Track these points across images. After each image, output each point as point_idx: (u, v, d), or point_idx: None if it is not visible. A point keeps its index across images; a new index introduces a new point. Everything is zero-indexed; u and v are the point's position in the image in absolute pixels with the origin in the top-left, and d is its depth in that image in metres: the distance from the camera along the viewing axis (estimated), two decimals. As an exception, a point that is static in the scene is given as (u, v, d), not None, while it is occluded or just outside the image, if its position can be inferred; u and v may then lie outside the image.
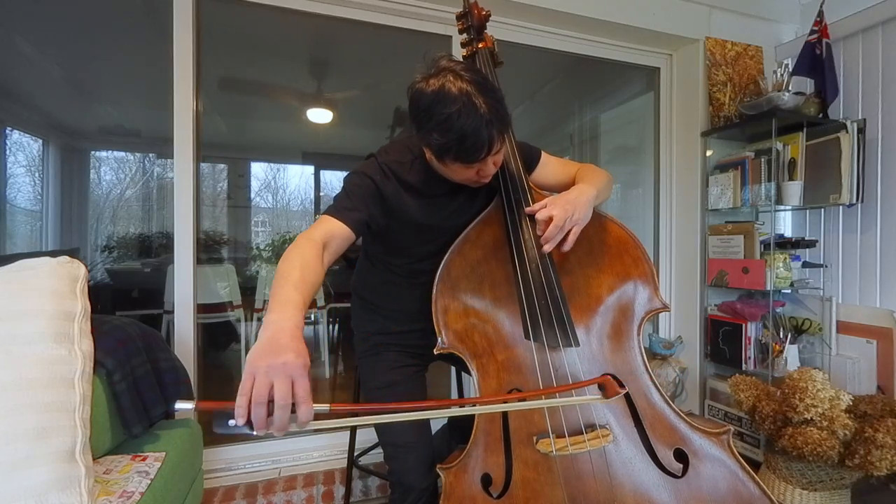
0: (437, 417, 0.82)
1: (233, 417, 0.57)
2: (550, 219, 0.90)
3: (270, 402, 0.57)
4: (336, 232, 0.88)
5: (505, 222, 0.99)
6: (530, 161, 1.10)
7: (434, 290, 0.93)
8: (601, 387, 0.71)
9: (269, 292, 3.03)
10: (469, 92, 0.80)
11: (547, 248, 0.92)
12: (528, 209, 0.97)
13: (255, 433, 0.57)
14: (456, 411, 0.82)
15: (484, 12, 1.19)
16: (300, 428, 0.59)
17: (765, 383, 1.67)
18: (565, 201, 0.92)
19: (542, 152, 1.13)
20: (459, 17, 1.22)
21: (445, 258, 0.95)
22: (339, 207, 0.92)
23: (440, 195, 1.00)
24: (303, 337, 0.65)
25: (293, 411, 0.58)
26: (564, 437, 0.84)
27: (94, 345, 0.94)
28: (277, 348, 0.61)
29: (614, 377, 0.75)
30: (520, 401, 0.80)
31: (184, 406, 0.56)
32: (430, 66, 0.84)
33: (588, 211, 0.94)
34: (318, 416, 0.60)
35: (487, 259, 0.97)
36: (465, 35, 1.22)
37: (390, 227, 0.99)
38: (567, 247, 0.93)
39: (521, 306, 0.92)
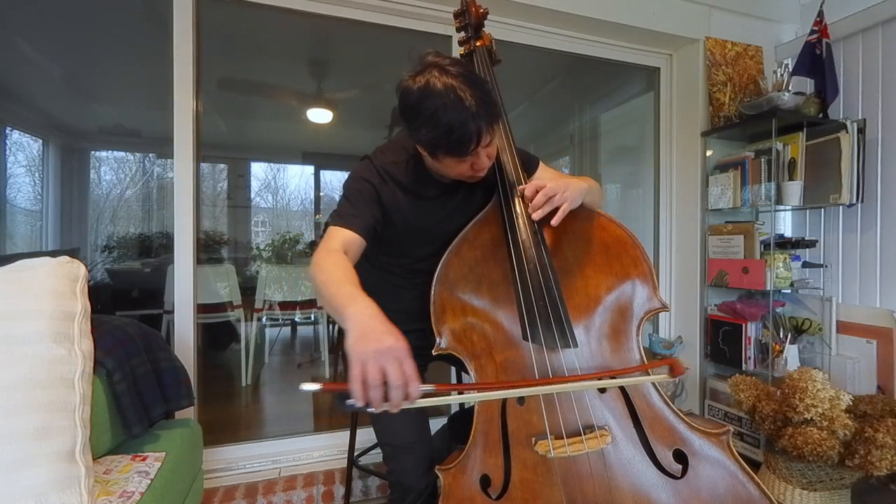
0: (541, 394, 0.85)
1: (351, 398, 0.63)
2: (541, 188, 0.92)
3: (383, 384, 0.62)
4: (350, 240, 0.89)
5: (503, 221, 0.99)
6: (529, 165, 1.11)
7: (432, 291, 0.93)
8: (669, 368, 0.79)
9: (268, 292, 3.00)
10: (454, 86, 0.80)
11: (535, 215, 0.93)
12: (520, 187, 0.99)
13: (372, 411, 0.63)
14: (553, 388, 0.83)
15: (481, 10, 1.19)
16: (411, 404, 0.64)
17: (765, 383, 1.67)
18: (558, 180, 0.96)
19: (540, 161, 1.14)
20: (457, 16, 1.22)
21: (443, 259, 0.95)
22: (346, 216, 0.92)
23: (437, 196, 1.00)
24: (388, 319, 0.69)
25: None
26: (563, 438, 0.84)
27: (94, 345, 0.94)
28: (376, 335, 0.65)
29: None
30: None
31: (311, 387, 0.62)
32: (417, 64, 0.85)
33: (578, 196, 0.96)
34: (426, 394, 0.66)
35: (486, 259, 0.97)
36: (462, 33, 1.22)
37: (389, 229, 0.99)
38: (555, 222, 0.93)
39: (519, 307, 0.92)
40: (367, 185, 0.95)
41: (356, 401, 0.62)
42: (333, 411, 2.39)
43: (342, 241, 0.88)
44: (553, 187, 0.92)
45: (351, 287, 0.75)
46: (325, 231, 0.92)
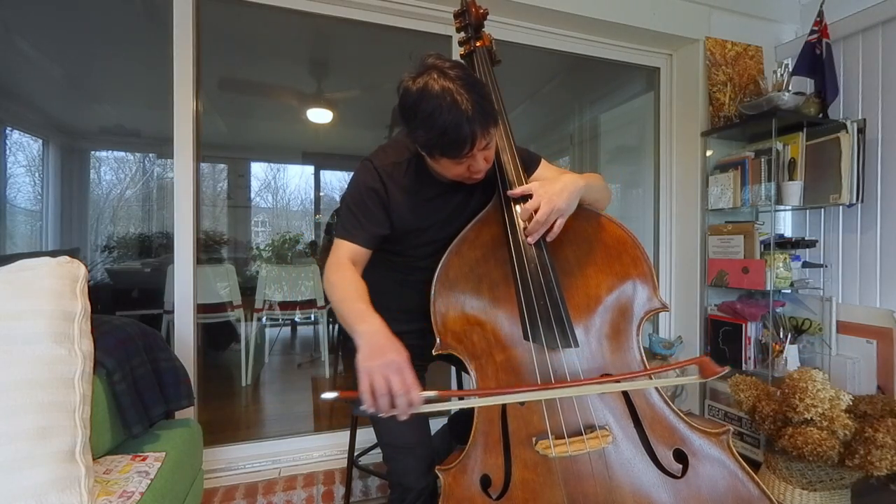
0: (542, 399, 0.87)
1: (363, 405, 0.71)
2: (537, 209, 0.92)
3: (389, 392, 0.70)
4: (356, 252, 0.96)
5: (503, 221, 0.99)
6: (529, 163, 1.10)
7: (432, 291, 0.93)
8: (699, 367, 0.77)
9: (268, 292, 3.00)
10: (451, 89, 0.81)
11: (530, 240, 0.95)
12: (510, 192, 0.98)
13: (382, 416, 0.71)
14: (553, 393, 0.85)
15: (482, 10, 1.19)
16: (416, 410, 0.71)
17: (765, 383, 1.67)
18: (551, 193, 0.92)
19: (542, 159, 1.14)
20: (457, 16, 1.22)
21: (444, 258, 0.95)
22: (351, 229, 0.96)
23: (437, 196, 1.00)
24: (392, 335, 0.77)
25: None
26: (564, 438, 0.84)
27: (94, 345, 0.94)
28: (381, 350, 0.74)
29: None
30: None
31: (329, 396, 0.72)
32: (418, 65, 0.86)
33: (573, 201, 0.94)
34: (428, 400, 0.73)
35: (486, 259, 0.97)
36: (462, 33, 1.21)
37: (391, 229, 1.00)
38: (551, 237, 0.95)
39: (519, 307, 0.92)
40: (371, 193, 0.96)
41: (367, 407, 0.70)
42: (333, 411, 2.39)
43: (349, 255, 0.95)
44: (546, 210, 0.91)
45: (361, 304, 0.83)
46: (323, 235, 0.95)
